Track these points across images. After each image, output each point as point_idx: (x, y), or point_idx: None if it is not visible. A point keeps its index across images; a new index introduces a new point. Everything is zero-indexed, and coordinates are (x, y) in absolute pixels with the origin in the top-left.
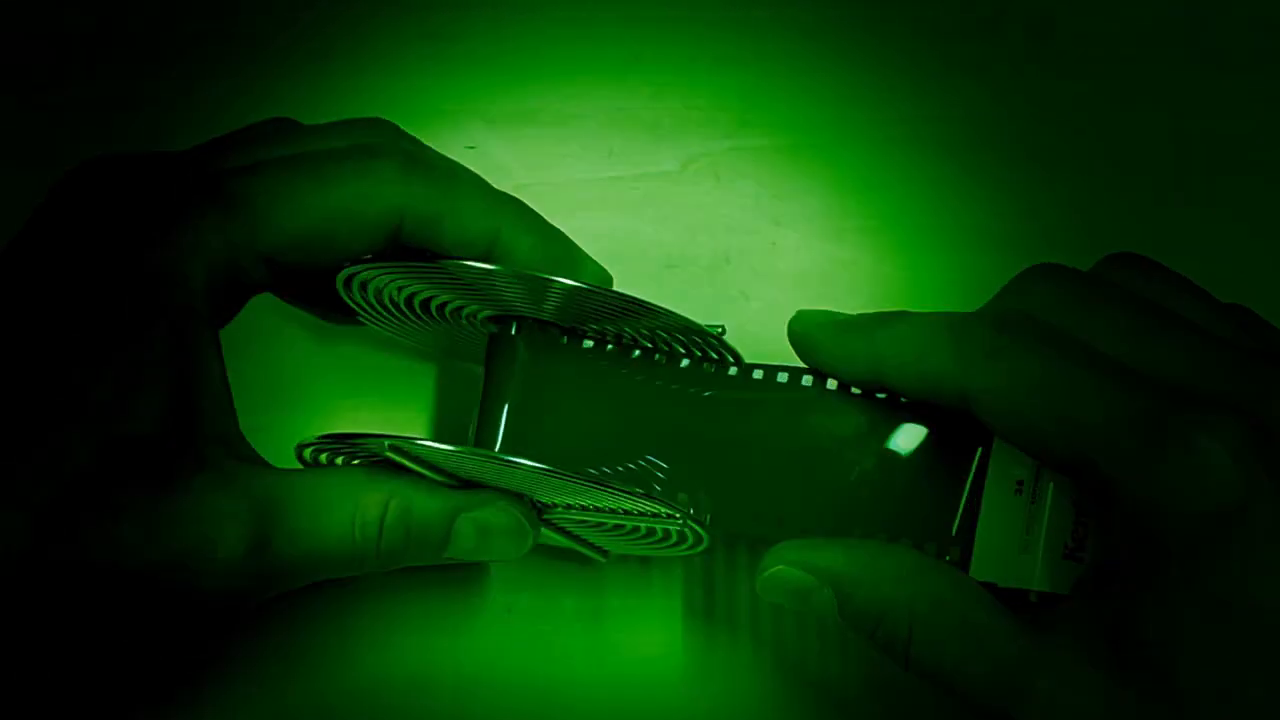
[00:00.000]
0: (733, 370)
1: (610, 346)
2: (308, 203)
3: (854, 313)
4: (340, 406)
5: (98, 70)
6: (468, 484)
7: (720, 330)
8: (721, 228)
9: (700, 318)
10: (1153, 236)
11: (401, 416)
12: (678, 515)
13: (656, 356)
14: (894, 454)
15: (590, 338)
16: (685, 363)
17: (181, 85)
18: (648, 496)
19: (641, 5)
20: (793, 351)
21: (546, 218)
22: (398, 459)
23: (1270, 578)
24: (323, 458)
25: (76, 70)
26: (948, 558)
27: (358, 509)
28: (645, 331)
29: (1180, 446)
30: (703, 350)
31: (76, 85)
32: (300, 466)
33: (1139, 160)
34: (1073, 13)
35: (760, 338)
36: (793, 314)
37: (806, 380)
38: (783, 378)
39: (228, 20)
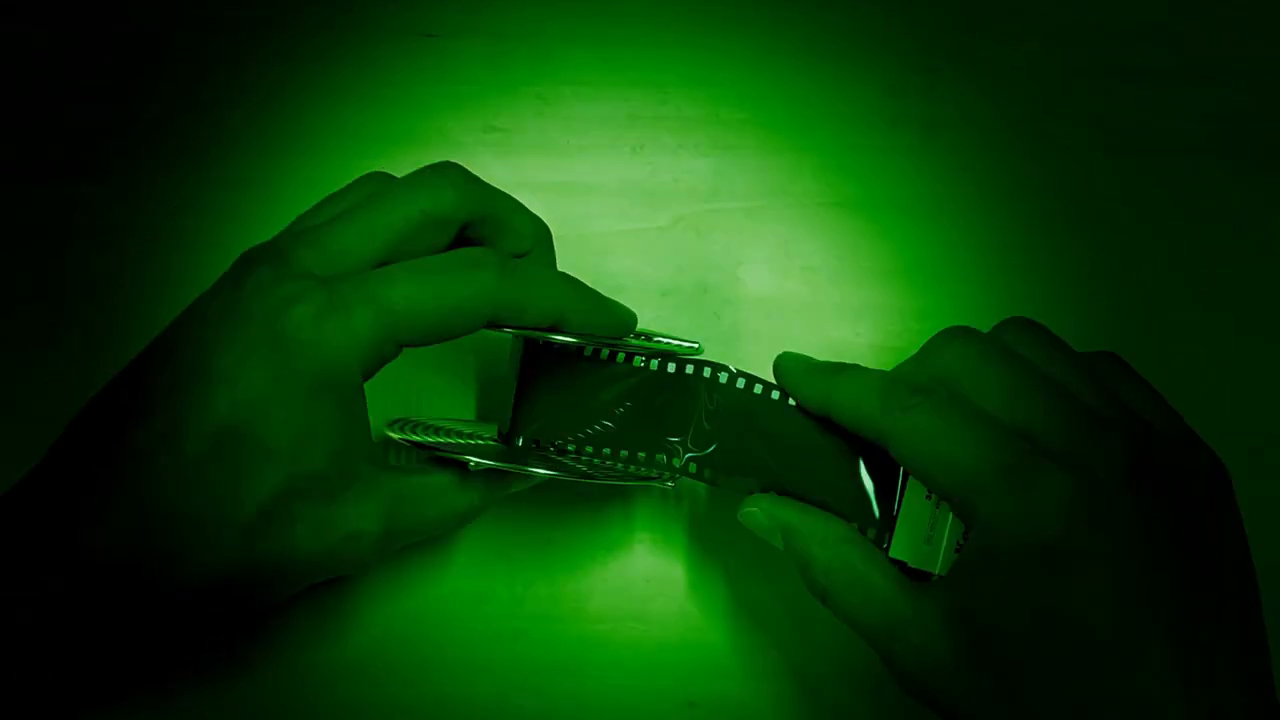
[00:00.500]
0: (741, 383)
1: (605, 353)
2: (431, 307)
3: (819, 359)
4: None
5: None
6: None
7: (697, 347)
8: (701, 267)
9: (686, 333)
10: None
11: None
12: (655, 481)
13: (647, 362)
14: (858, 460)
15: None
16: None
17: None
18: (624, 479)
19: (641, 105)
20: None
21: (579, 258)
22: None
23: (1072, 596)
24: (394, 433)
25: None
26: (870, 534)
27: (451, 503)
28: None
29: (1023, 492)
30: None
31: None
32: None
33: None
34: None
35: (728, 346)
36: (775, 351)
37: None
38: (757, 388)
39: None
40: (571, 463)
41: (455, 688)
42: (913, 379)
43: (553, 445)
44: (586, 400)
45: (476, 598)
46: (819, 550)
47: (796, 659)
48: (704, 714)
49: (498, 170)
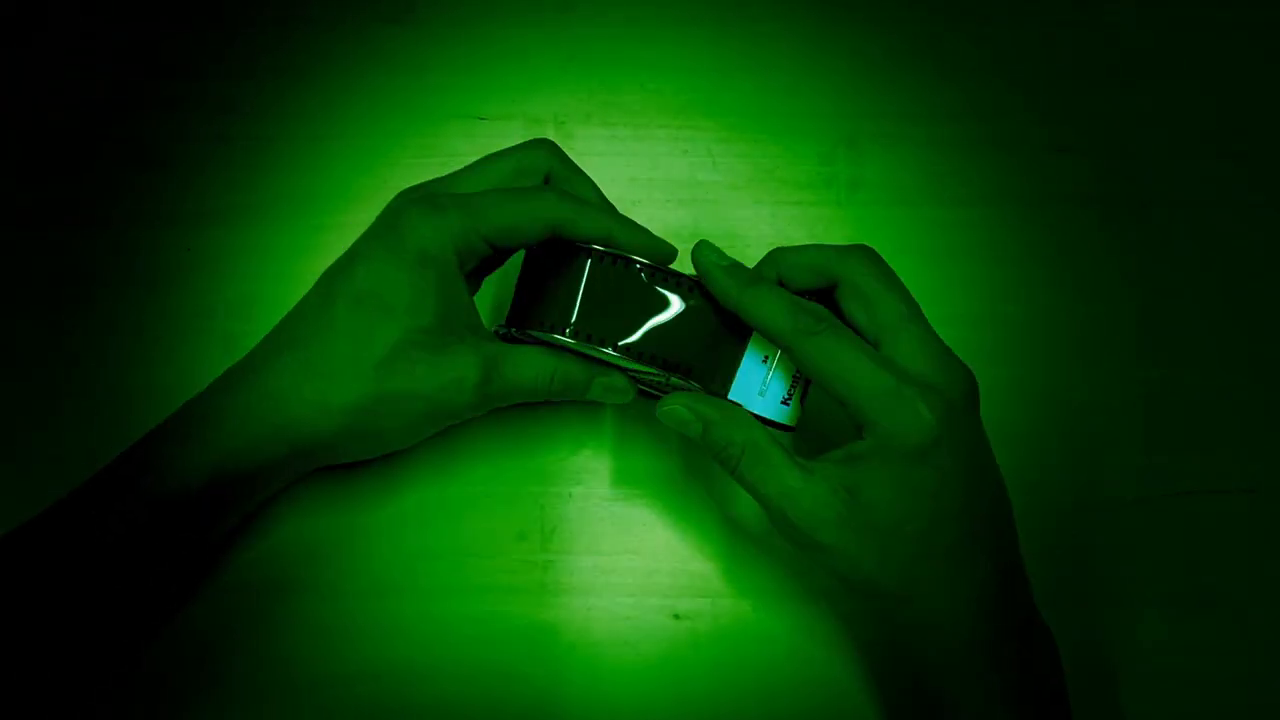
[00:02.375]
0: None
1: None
2: (508, 211)
3: (733, 259)
4: None
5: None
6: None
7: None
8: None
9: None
10: None
11: None
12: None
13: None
14: (719, 330)
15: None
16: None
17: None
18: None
19: (638, 170)
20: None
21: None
22: (547, 337)
23: (933, 481)
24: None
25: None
26: (715, 387)
27: (540, 366)
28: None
29: (904, 410)
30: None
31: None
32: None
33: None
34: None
35: None
36: (697, 242)
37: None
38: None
39: None
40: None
41: (489, 606)
42: (811, 306)
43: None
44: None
45: (513, 536)
46: (736, 432)
47: (761, 581)
48: (687, 623)
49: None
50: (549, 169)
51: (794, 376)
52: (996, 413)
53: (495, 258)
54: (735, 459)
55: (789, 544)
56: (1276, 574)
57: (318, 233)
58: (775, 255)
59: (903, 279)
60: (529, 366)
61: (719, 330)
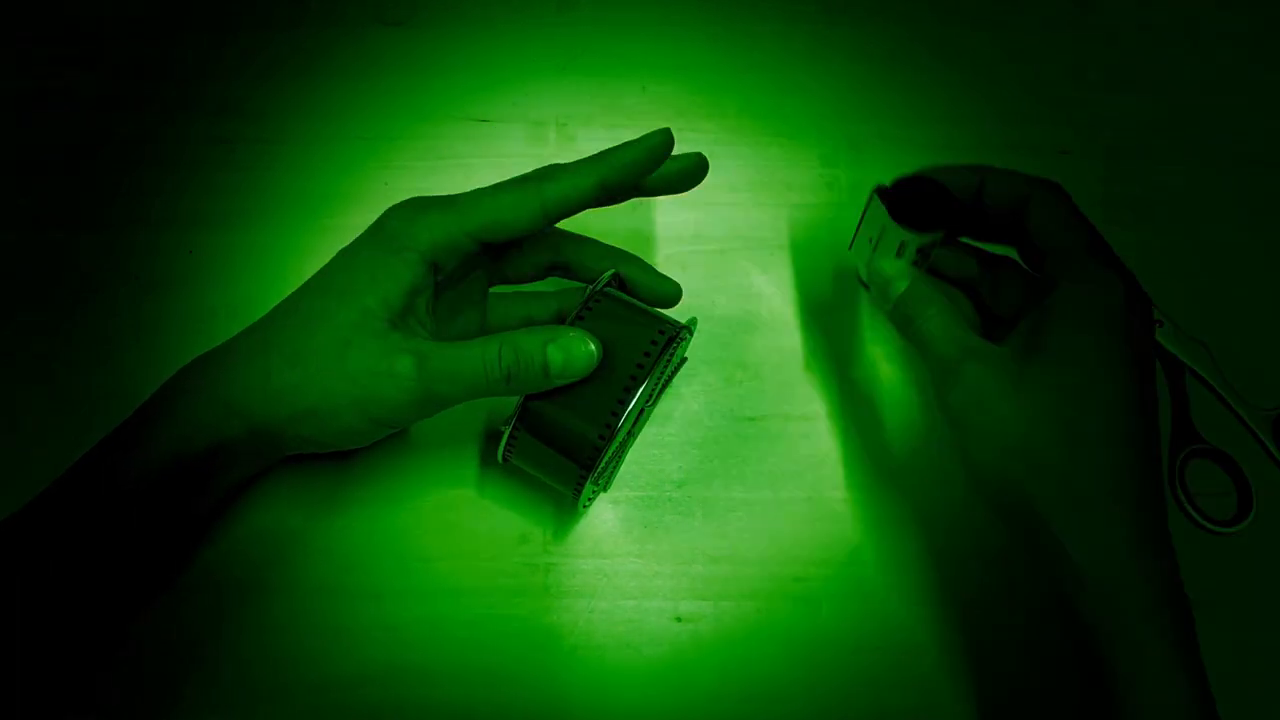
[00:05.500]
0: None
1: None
2: (489, 203)
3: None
4: None
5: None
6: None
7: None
8: (686, 293)
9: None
10: None
11: None
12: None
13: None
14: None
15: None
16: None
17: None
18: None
19: None
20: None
21: None
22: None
23: (1124, 340)
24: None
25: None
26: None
27: (484, 349)
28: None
29: (1112, 274)
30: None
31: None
32: None
33: None
34: None
35: (708, 350)
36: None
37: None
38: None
39: None
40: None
41: (491, 608)
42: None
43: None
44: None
45: (515, 538)
46: (917, 286)
47: (763, 584)
48: (689, 625)
49: None
50: (537, 208)
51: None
52: None
53: (491, 257)
54: (912, 316)
55: (955, 418)
56: (1277, 574)
57: (318, 234)
58: (985, 174)
59: None
60: (470, 361)
61: None
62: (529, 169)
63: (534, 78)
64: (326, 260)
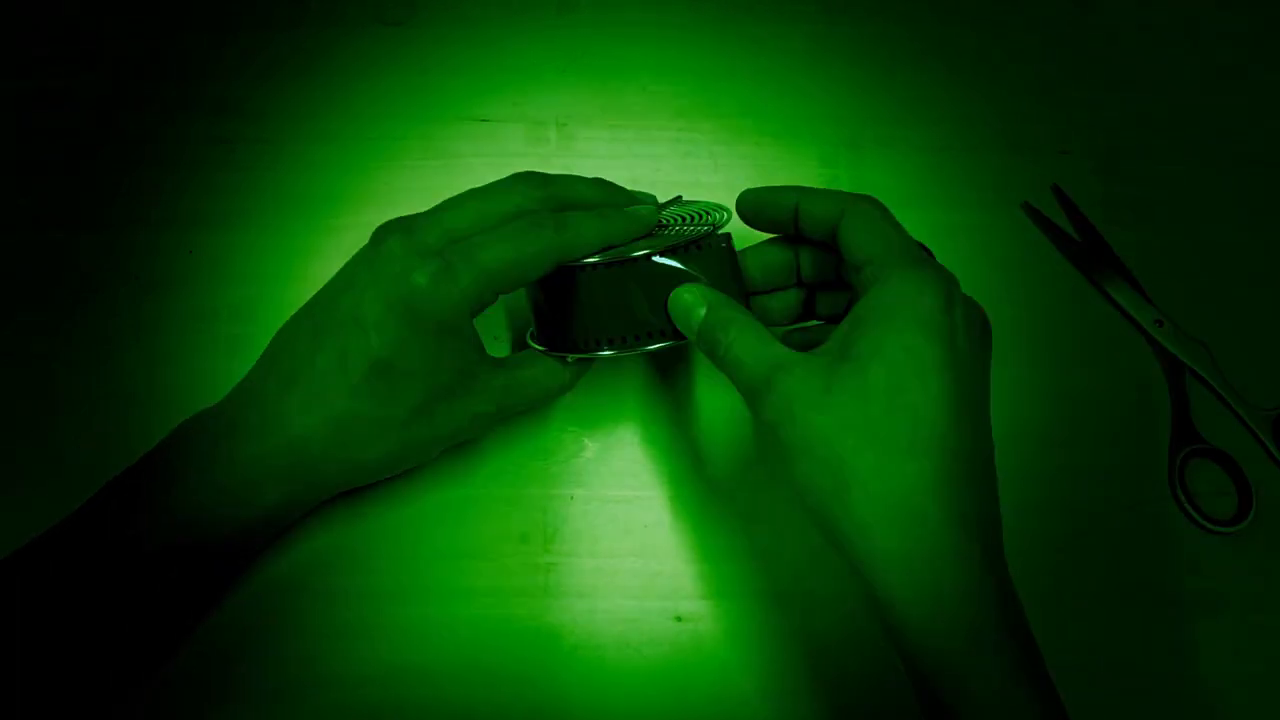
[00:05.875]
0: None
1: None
2: (513, 262)
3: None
4: None
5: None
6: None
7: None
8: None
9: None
10: None
11: None
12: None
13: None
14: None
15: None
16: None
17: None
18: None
19: (641, 173)
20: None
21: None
22: (591, 355)
23: (931, 344)
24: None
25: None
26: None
27: (546, 386)
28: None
29: (924, 272)
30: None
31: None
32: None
33: None
34: None
35: None
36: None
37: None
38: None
39: None
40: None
41: (491, 608)
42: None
43: (596, 341)
44: (612, 307)
45: (515, 538)
46: (719, 312)
47: (763, 583)
48: (689, 625)
49: None
50: (541, 204)
51: None
52: (995, 413)
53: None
54: (722, 341)
55: (770, 434)
56: (1277, 574)
57: (319, 235)
58: (800, 190)
59: None
60: (541, 381)
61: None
62: (529, 169)
63: (534, 78)
64: (326, 261)
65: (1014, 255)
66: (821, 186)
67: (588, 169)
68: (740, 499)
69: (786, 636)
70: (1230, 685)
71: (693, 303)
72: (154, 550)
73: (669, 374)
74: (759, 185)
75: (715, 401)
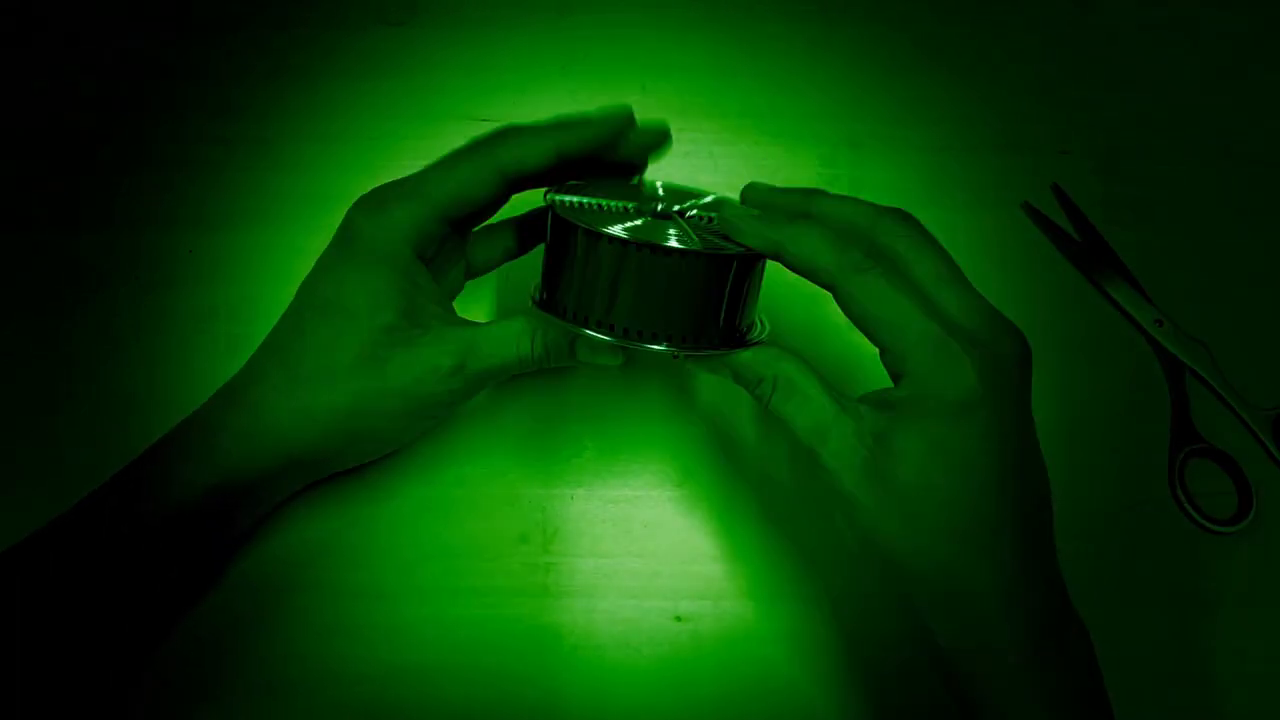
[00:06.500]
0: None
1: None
2: (451, 182)
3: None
4: None
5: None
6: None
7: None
8: None
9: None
10: None
11: None
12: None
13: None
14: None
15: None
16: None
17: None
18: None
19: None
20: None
21: None
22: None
23: (980, 447)
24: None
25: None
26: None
27: (520, 337)
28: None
29: (949, 361)
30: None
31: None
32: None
33: None
34: None
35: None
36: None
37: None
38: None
39: None
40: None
41: (490, 608)
42: (859, 244)
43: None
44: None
45: (515, 538)
46: (768, 367)
47: (763, 583)
48: (689, 624)
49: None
50: (502, 169)
51: None
52: None
53: (469, 222)
54: (767, 394)
55: (825, 496)
56: (1277, 574)
57: (319, 234)
58: (813, 198)
59: None
60: (507, 341)
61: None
62: None
63: (534, 78)
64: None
65: (1014, 255)
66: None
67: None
68: (741, 499)
69: (786, 636)
70: (1230, 685)
71: (768, 376)
72: (168, 520)
73: (669, 373)
74: (777, 182)
75: (715, 401)
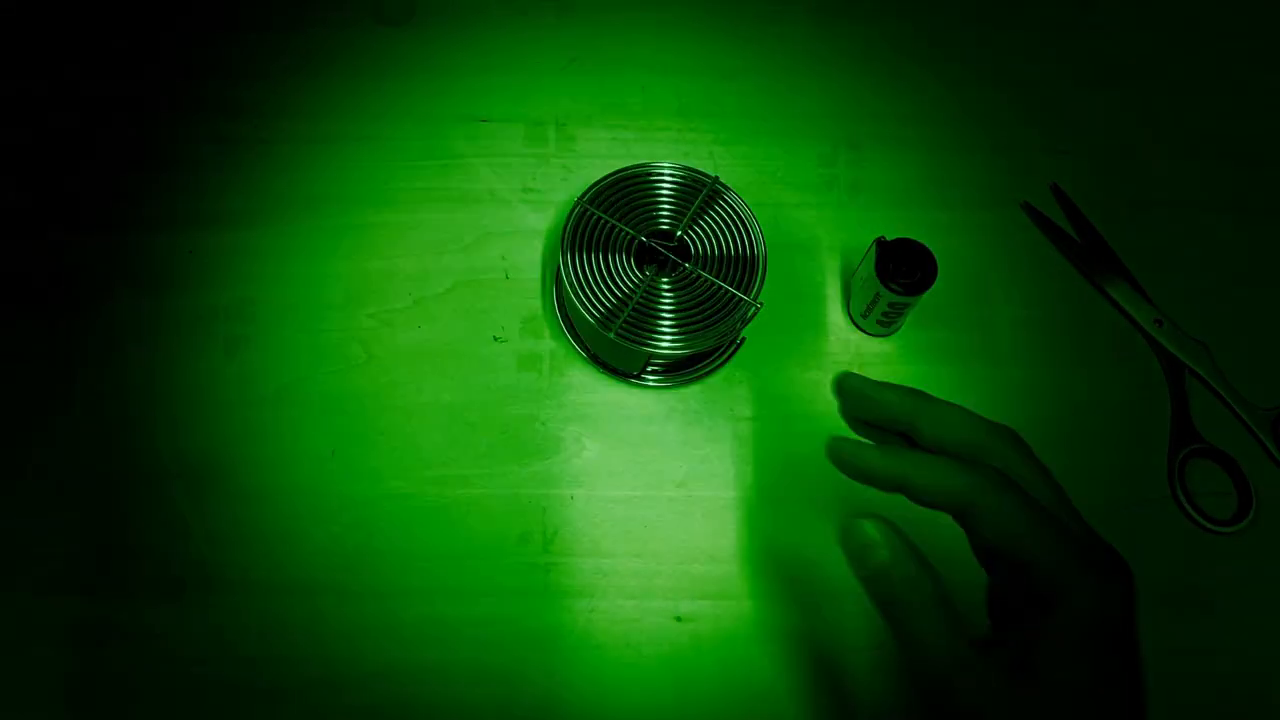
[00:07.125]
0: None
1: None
2: None
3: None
4: None
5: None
6: None
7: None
8: None
9: None
10: None
11: None
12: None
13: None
14: None
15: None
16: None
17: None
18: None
19: None
20: None
21: None
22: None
23: (1125, 659)
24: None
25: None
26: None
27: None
28: None
29: (1097, 582)
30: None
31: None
32: None
33: None
34: None
35: None
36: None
37: None
38: None
39: None
40: None
41: (491, 608)
42: (985, 468)
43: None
44: None
45: (515, 538)
46: (902, 575)
47: (762, 583)
48: (688, 625)
49: (531, 219)
50: None
51: None
52: (995, 413)
53: None
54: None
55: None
56: (1277, 574)
57: (319, 235)
58: (917, 402)
59: None
60: None
61: None
62: (528, 169)
63: (534, 78)
64: (326, 261)
65: (1014, 255)
66: (822, 186)
67: (587, 169)
68: (741, 499)
69: (786, 637)
70: (1231, 684)
71: (877, 541)
72: None
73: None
74: (754, 190)
75: (715, 400)
